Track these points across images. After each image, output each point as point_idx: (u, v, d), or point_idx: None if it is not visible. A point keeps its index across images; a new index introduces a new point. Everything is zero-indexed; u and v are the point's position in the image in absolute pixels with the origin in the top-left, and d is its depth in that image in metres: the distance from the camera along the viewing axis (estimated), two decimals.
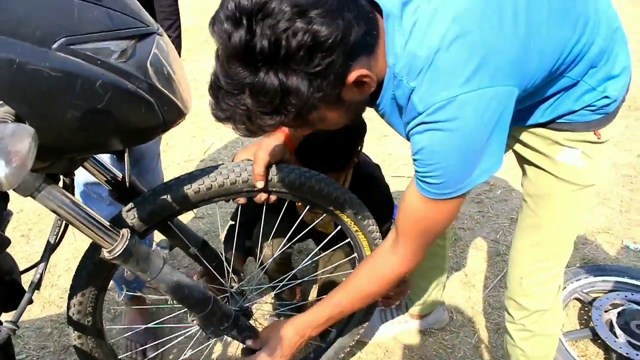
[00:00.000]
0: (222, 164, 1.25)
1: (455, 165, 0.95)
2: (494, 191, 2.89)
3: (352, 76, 0.88)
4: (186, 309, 1.26)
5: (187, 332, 1.52)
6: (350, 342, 1.65)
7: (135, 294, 1.81)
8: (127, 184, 1.19)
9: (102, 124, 0.86)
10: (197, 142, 3.45)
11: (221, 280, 1.42)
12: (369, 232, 1.43)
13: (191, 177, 1.19)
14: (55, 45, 0.78)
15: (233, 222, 1.61)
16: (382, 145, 3.42)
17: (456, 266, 2.34)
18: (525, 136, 1.25)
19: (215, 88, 0.88)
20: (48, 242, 1.04)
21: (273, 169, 1.25)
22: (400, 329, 2.00)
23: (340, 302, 1.25)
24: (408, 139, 1.01)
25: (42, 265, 1.03)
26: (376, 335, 1.98)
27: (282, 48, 0.78)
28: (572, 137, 1.19)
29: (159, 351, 1.91)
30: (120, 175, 1.21)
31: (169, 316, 1.74)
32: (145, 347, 1.91)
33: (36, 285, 1.03)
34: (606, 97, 1.13)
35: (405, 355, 1.93)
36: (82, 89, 0.80)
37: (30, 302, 1.02)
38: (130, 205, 1.16)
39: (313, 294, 2.20)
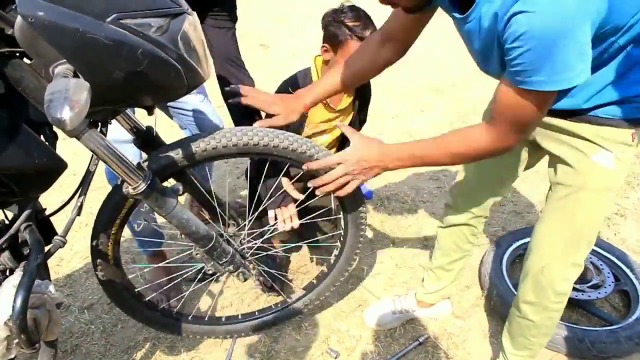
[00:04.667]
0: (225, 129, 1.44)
1: (543, 51, 1.00)
2: (449, 169, 3.20)
3: None
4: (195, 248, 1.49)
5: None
6: (348, 267, 1.83)
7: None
8: (154, 134, 1.41)
9: (140, 83, 1.06)
10: (175, 131, 3.63)
11: (222, 223, 1.64)
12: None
13: (199, 137, 1.40)
14: (108, 19, 0.97)
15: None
16: None
17: (416, 234, 2.63)
18: (560, 137, 1.35)
19: None
20: (87, 175, 1.26)
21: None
22: (405, 318, 2.09)
23: (427, 149, 1.33)
24: (500, 42, 1.09)
25: (83, 196, 1.25)
26: (378, 323, 2.06)
27: None
28: (609, 135, 1.26)
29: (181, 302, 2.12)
30: (144, 127, 1.43)
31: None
32: (170, 300, 2.12)
33: (79, 210, 1.24)
34: None
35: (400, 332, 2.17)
36: (126, 55, 1.00)
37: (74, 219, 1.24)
38: (152, 154, 1.38)
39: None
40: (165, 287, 2.11)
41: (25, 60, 1.05)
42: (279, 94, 1.63)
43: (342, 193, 1.44)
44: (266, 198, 1.77)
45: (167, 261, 2.18)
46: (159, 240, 2.14)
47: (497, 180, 1.68)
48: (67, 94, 0.87)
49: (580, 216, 1.38)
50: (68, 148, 3.17)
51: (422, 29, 1.50)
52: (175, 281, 2.06)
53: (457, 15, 1.22)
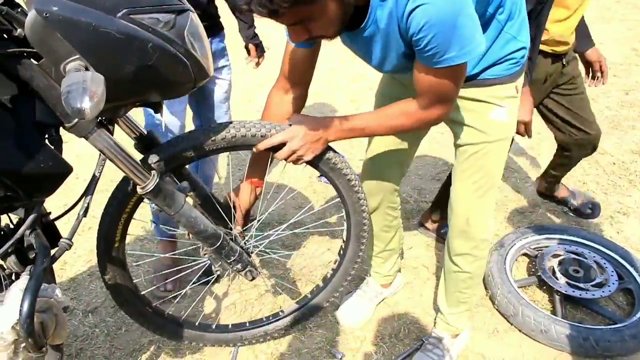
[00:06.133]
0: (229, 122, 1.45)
1: (447, 33, 1.15)
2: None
3: None
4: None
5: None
6: (344, 282, 1.83)
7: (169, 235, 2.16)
8: (156, 138, 1.42)
9: (149, 77, 1.09)
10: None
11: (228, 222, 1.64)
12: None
13: (203, 131, 1.41)
14: (119, 14, 1.01)
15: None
16: None
17: (419, 235, 2.63)
18: (459, 103, 1.51)
19: None
20: (94, 176, 1.26)
21: None
22: (378, 301, 2.16)
23: (367, 121, 1.42)
24: (402, 36, 1.22)
25: (89, 196, 1.25)
26: (361, 318, 2.09)
27: None
28: (498, 93, 1.47)
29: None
30: (145, 131, 1.43)
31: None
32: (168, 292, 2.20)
33: (85, 211, 1.24)
34: (523, 47, 1.44)
35: (394, 318, 2.15)
36: (137, 49, 1.03)
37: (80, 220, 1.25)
38: (153, 152, 1.38)
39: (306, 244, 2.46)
40: (168, 278, 2.18)
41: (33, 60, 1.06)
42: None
43: (295, 164, 1.48)
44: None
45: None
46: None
47: (403, 154, 1.79)
48: (85, 85, 0.89)
49: (488, 166, 1.58)
50: (71, 151, 3.19)
51: (315, 65, 1.57)
52: (179, 275, 2.09)
53: (350, 32, 1.31)
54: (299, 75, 1.55)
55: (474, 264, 1.75)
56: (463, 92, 1.45)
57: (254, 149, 1.45)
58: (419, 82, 1.31)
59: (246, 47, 2.52)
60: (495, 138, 1.53)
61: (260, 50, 2.53)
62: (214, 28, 2.13)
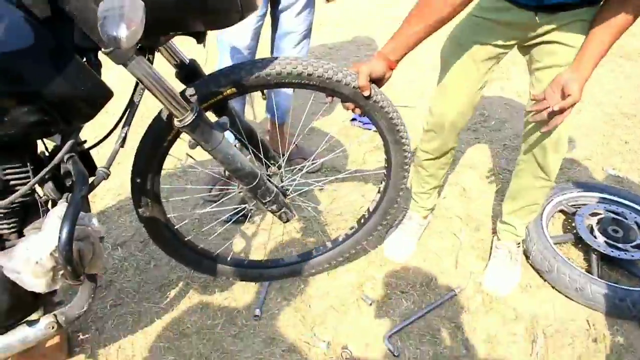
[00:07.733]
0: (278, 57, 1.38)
1: None
2: (488, 121, 3.10)
3: None
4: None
5: None
6: (382, 221, 1.80)
7: None
8: (198, 67, 1.37)
9: (192, 5, 1.02)
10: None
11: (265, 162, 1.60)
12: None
13: (246, 66, 1.34)
14: None
15: None
16: None
17: (454, 182, 2.56)
18: (573, 26, 1.52)
19: None
20: (132, 103, 1.21)
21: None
22: (420, 234, 2.22)
23: (604, 40, 1.45)
24: None
25: (127, 126, 1.20)
26: (406, 252, 2.14)
27: None
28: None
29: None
30: (187, 60, 1.37)
31: None
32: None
33: (122, 141, 1.20)
34: None
35: (425, 267, 2.15)
36: None
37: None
38: (194, 85, 1.32)
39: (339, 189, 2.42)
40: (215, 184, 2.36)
41: None
42: (358, 64, 1.45)
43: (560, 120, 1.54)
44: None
45: None
46: None
47: (475, 96, 1.82)
48: (122, 12, 0.82)
49: None
50: None
51: None
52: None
53: None
54: None
55: (555, 175, 1.84)
56: (579, 13, 1.50)
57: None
58: None
59: None
60: None
61: None
62: None
